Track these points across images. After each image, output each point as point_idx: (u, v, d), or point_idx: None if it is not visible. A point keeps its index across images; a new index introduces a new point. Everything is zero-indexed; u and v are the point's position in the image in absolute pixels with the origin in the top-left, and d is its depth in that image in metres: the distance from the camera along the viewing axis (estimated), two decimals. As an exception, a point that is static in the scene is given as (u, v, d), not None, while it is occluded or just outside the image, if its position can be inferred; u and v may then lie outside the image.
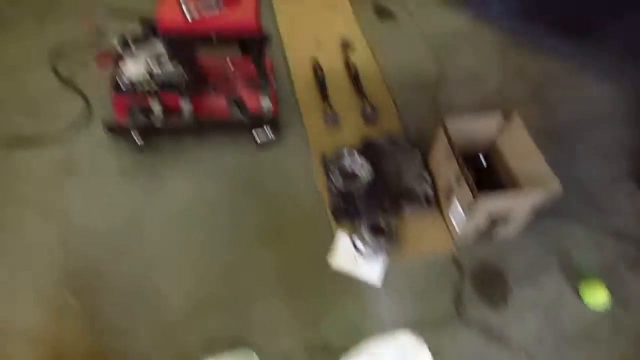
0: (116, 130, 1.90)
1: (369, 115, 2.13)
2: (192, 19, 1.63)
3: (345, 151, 1.91)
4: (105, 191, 1.89)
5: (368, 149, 1.96)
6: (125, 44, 2.02)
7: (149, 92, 1.84)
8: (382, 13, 2.66)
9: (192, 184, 1.92)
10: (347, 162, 1.90)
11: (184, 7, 1.63)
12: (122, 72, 1.89)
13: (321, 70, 2.28)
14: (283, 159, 2.02)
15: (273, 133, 1.99)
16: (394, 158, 1.92)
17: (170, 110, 1.89)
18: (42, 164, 1.96)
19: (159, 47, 1.97)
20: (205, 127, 1.93)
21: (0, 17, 2.47)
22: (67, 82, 2.21)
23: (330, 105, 2.16)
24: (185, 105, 1.87)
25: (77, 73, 2.25)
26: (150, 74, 1.86)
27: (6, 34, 2.41)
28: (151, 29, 2.21)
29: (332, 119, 2.11)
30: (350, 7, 2.65)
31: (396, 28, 2.59)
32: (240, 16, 1.65)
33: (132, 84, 1.85)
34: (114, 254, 1.73)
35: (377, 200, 1.81)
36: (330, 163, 1.90)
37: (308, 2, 2.65)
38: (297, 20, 2.54)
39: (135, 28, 2.09)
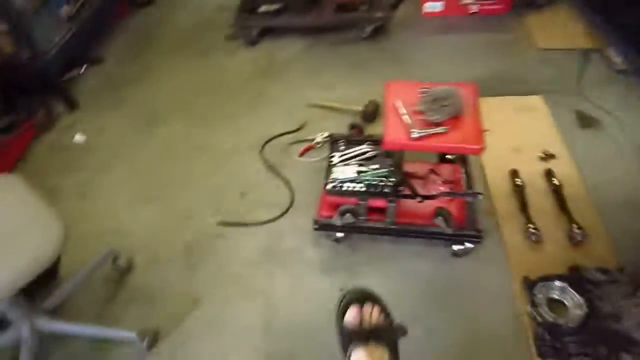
0: (323, 228, 2.01)
1: (576, 236, 1.97)
2: (417, 136, 1.70)
3: (555, 280, 1.79)
4: (305, 280, 2.00)
5: (577, 279, 1.81)
6: (333, 144, 2.17)
7: (357, 193, 1.94)
8: (585, 119, 2.51)
9: (386, 284, 1.93)
10: (555, 291, 1.77)
11: (410, 126, 1.71)
12: (332, 172, 2.02)
13: (520, 180, 2.20)
14: (479, 271, 1.95)
15: (471, 243, 1.95)
16: (610, 296, 1.74)
17: (374, 212, 1.96)
18: (249, 246, 2.15)
19: (367, 149, 2.09)
20: (406, 232, 1.96)
21: (220, 111, 2.86)
22: (273, 170, 2.44)
23: (530, 219, 2.06)
24: (390, 209, 1.92)
25: (282, 162, 2.48)
26: (360, 177, 1.97)
27: (225, 125, 2.77)
28: (360, 132, 2.36)
29: (532, 234, 2.00)
30: (549, 112, 2.55)
31: (602, 137, 2.42)
32: (466, 137, 1.68)
33: (342, 185, 1.97)
34: (310, 346, 1.80)
35: (590, 344, 1.64)
36: (535, 289, 1.79)
37: (504, 106, 2.61)
38: (492, 125, 2.47)
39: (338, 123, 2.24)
